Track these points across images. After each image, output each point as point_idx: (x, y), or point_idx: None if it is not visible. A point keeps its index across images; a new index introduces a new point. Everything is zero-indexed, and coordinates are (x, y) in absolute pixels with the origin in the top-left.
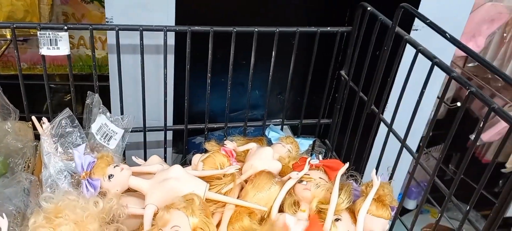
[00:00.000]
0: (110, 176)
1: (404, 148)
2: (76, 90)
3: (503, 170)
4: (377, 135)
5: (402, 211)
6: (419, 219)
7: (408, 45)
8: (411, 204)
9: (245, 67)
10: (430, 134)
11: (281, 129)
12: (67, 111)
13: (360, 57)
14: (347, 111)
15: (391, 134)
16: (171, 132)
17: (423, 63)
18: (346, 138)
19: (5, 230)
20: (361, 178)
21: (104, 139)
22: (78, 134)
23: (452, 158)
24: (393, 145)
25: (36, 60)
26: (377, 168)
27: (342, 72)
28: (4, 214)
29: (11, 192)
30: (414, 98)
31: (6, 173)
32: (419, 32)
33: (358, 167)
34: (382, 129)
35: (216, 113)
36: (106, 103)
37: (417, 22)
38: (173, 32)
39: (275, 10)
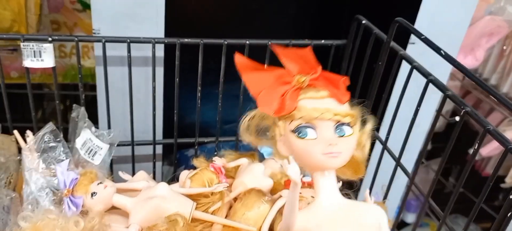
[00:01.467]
0: (93, 194)
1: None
2: (69, 99)
3: (502, 185)
4: (372, 152)
5: (401, 224)
6: None
7: (403, 61)
8: (410, 217)
9: (240, 78)
10: (428, 148)
11: None
12: (50, 126)
13: (354, 71)
14: None
15: (385, 151)
16: (161, 145)
17: (419, 78)
18: None
19: None
20: (356, 197)
21: (88, 154)
22: (62, 149)
23: (452, 170)
24: (389, 162)
25: (32, 69)
26: (371, 187)
27: None
28: None
29: None
30: (410, 114)
31: None
32: (416, 46)
33: (351, 185)
34: (377, 146)
35: (209, 125)
36: (96, 114)
37: (414, 37)
38: (162, 44)
39: (267, 22)
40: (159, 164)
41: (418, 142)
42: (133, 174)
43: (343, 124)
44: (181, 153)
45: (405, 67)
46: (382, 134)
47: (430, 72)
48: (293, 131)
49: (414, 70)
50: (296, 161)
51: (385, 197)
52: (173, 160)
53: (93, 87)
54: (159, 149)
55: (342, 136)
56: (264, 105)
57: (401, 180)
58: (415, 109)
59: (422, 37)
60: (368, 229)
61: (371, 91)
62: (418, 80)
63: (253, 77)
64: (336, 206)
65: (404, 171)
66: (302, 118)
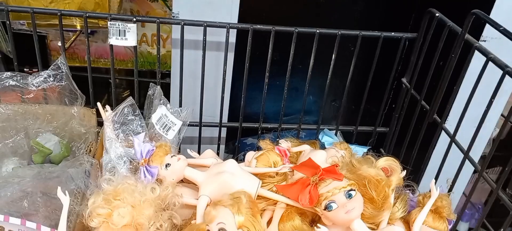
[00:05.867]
0: (167, 165)
1: (466, 160)
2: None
3: None
4: (436, 146)
5: None
6: None
7: (474, 55)
8: (463, 227)
9: (301, 72)
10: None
11: (336, 134)
12: (130, 100)
13: (422, 65)
14: (404, 121)
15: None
16: (225, 129)
17: (488, 74)
18: (404, 147)
19: (67, 206)
20: (418, 189)
21: (163, 129)
22: (139, 123)
23: (510, 182)
24: (453, 157)
25: (100, 54)
26: (436, 179)
27: (404, 80)
28: (66, 192)
29: (74, 172)
30: (477, 111)
31: (68, 156)
32: (487, 44)
33: (415, 177)
34: (441, 140)
35: (269, 118)
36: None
37: (486, 33)
38: (235, 30)
39: (336, 14)
40: (222, 147)
41: (481, 145)
42: (199, 154)
43: (349, 190)
44: (241, 141)
45: (474, 62)
46: (449, 126)
47: (507, 64)
48: (324, 209)
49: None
50: (334, 225)
51: (450, 190)
52: (232, 147)
53: (163, 75)
54: (223, 133)
55: (351, 197)
56: (302, 202)
57: (462, 180)
58: (489, 101)
59: (501, 28)
60: None
61: (442, 84)
62: (486, 75)
63: (290, 190)
64: None
65: (473, 163)
66: (325, 200)
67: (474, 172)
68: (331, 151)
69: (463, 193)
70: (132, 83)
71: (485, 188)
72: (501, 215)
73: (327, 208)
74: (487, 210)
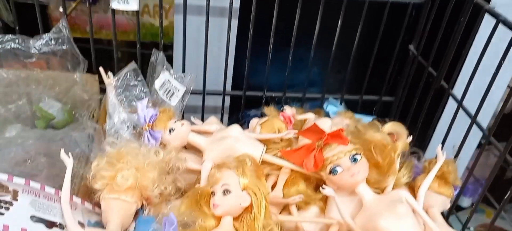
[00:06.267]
0: (171, 130)
1: (473, 125)
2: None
3: None
4: (442, 113)
5: (455, 208)
6: (474, 218)
7: (482, 24)
8: (465, 202)
9: (306, 42)
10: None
11: (341, 103)
12: (132, 64)
13: (429, 32)
14: (410, 90)
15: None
16: (228, 100)
17: (496, 41)
18: (410, 115)
19: (70, 168)
20: (424, 156)
21: (166, 95)
22: (142, 88)
23: None
24: (459, 126)
25: (101, 25)
26: (442, 144)
27: (411, 47)
28: (70, 153)
29: (77, 136)
30: (484, 79)
31: (71, 123)
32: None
33: (420, 145)
34: (448, 110)
35: (273, 89)
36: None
37: (494, 0)
38: None
39: None
40: (226, 117)
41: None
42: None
43: (354, 155)
44: (244, 113)
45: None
46: (456, 92)
47: None
48: (329, 173)
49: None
50: (339, 189)
51: (456, 155)
52: (236, 118)
53: (165, 48)
54: (226, 102)
55: (356, 161)
56: (307, 167)
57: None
58: (498, 64)
59: None
60: (399, 203)
61: (450, 48)
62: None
63: (295, 155)
64: (375, 198)
65: (480, 128)
66: (330, 164)
67: (478, 146)
68: (336, 119)
69: (466, 167)
70: (134, 56)
71: (489, 163)
72: (503, 190)
73: (332, 172)
74: (493, 175)
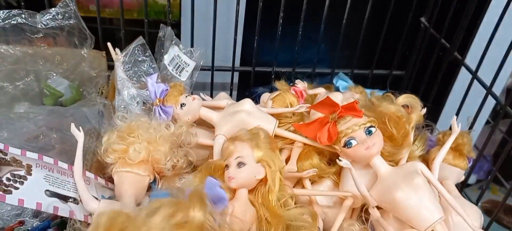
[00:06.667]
0: (182, 105)
1: (488, 96)
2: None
3: None
4: (454, 86)
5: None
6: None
7: None
8: (471, 178)
9: (314, 19)
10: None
11: (351, 78)
12: (140, 39)
13: (442, 3)
14: (422, 63)
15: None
16: (237, 76)
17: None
18: (422, 88)
19: (82, 142)
20: (437, 128)
21: (176, 70)
22: (150, 64)
23: None
24: (472, 99)
25: (104, 4)
26: (457, 115)
27: (422, 19)
28: (80, 128)
29: (88, 112)
30: (498, 52)
31: (79, 100)
32: None
33: (433, 118)
34: (460, 81)
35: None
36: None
37: None
38: None
39: None
40: (235, 93)
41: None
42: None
43: (369, 127)
44: (253, 90)
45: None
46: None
47: None
48: (344, 146)
49: None
50: (354, 162)
51: (470, 127)
52: (244, 95)
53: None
54: (235, 78)
55: (371, 134)
56: (321, 140)
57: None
58: None
59: None
60: (415, 174)
61: (463, 20)
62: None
63: (308, 129)
64: (390, 170)
65: (495, 98)
66: (344, 137)
67: (487, 122)
68: (346, 95)
69: (474, 145)
70: (137, 35)
71: (495, 139)
72: (509, 167)
73: (347, 145)
74: (506, 153)
